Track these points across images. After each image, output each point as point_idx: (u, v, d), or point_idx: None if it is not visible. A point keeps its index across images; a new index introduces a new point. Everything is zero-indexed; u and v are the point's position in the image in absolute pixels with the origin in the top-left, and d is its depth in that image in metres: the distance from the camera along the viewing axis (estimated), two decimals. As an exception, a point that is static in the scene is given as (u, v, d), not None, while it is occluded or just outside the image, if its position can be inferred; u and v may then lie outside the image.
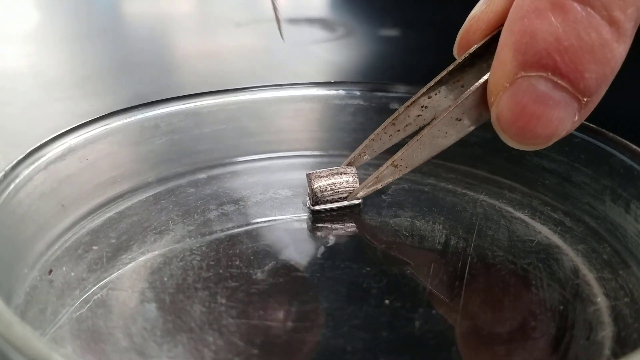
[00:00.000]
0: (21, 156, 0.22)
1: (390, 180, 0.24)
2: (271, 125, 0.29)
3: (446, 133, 0.22)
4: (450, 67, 0.23)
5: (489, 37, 0.22)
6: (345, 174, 0.25)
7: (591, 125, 0.24)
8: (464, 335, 0.19)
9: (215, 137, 0.28)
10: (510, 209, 0.25)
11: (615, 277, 0.21)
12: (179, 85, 0.43)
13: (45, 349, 0.13)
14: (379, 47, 0.48)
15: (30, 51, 0.49)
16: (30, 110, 0.38)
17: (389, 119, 0.25)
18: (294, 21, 0.53)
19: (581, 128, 0.24)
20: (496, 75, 0.20)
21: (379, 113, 0.29)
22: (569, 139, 0.25)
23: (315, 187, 0.24)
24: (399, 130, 0.25)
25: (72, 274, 0.21)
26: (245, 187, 0.27)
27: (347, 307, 0.19)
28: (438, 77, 0.24)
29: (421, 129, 0.24)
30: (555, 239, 0.23)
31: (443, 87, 0.24)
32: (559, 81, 0.18)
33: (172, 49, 0.50)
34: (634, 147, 0.22)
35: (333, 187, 0.24)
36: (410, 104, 0.24)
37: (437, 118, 0.22)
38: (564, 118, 0.19)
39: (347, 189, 0.25)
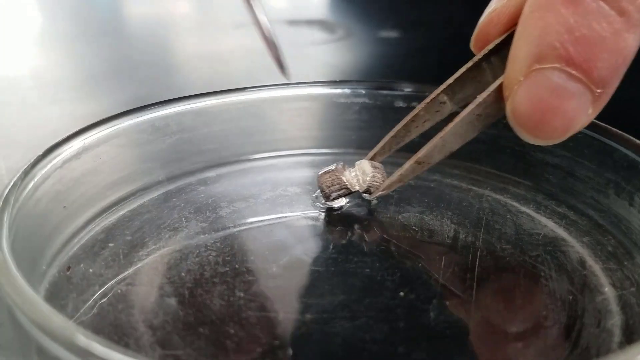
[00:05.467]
0: (39, 154, 0.22)
1: (411, 176, 0.24)
2: (278, 124, 0.29)
3: (468, 130, 0.22)
4: (470, 64, 0.23)
5: (509, 31, 0.22)
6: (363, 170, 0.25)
7: (594, 120, 0.25)
8: (478, 325, 0.19)
9: (224, 135, 0.28)
10: (515, 204, 0.26)
11: (621, 268, 0.22)
12: (180, 86, 0.43)
13: (84, 338, 0.14)
14: (379, 48, 0.49)
15: (31, 53, 0.50)
16: (30, 112, 0.38)
17: (409, 116, 0.25)
18: (294, 23, 0.53)
19: (584, 124, 0.25)
20: (511, 69, 0.20)
21: (384, 111, 0.29)
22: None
23: (323, 183, 0.25)
24: (417, 127, 0.25)
25: (91, 270, 0.21)
26: (254, 185, 0.27)
27: (363, 299, 0.20)
28: (457, 74, 0.24)
29: (439, 124, 0.24)
30: (561, 232, 0.24)
31: (462, 84, 0.24)
32: (573, 72, 0.19)
33: (173, 50, 0.50)
34: (637, 141, 0.23)
35: (340, 182, 0.24)
36: (430, 101, 0.25)
37: (459, 115, 0.22)
38: (578, 110, 0.19)
39: (368, 182, 0.24)
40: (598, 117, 0.25)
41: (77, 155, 0.24)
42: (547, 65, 0.19)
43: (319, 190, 0.25)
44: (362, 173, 0.24)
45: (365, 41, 0.51)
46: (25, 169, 0.21)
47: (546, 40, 0.19)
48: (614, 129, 0.24)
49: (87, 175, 0.24)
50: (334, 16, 0.58)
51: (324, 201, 0.25)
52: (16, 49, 0.51)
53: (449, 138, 0.22)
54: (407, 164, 0.23)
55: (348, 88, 0.30)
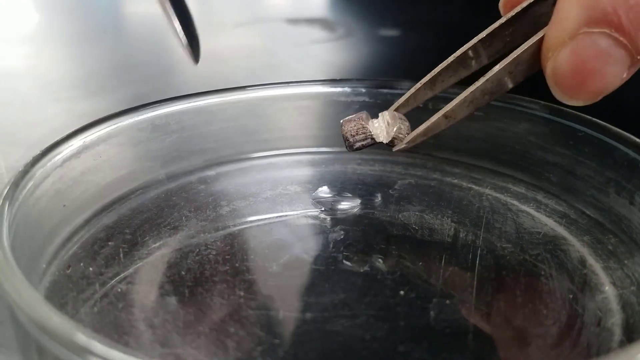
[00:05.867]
0: (38, 153, 0.22)
1: (437, 131, 0.23)
2: (278, 123, 0.29)
3: (497, 86, 0.22)
4: (502, 20, 0.23)
5: None
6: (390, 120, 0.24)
7: (594, 119, 0.25)
8: (478, 324, 0.19)
9: (223, 134, 0.28)
10: (515, 203, 0.26)
11: (621, 267, 0.22)
12: (179, 85, 0.43)
13: (82, 336, 0.14)
14: (379, 47, 0.48)
15: (30, 52, 0.49)
16: (29, 111, 0.38)
17: (435, 70, 0.25)
18: (294, 21, 0.53)
19: (584, 122, 0.25)
20: (557, 30, 0.20)
21: (384, 109, 0.29)
22: (572, 132, 0.25)
23: (348, 132, 0.24)
24: (443, 81, 0.25)
25: (91, 269, 0.21)
26: (254, 184, 0.27)
27: (363, 298, 0.20)
28: (488, 30, 0.24)
29: (465, 80, 0.24)
30: (561, 231, 0.24)
31: (491, 41, 0.24)
32: (620, 38, 0.19)
33: (172, 49, 0.50)
34: (638, 140, 0.23)
35: (365, 131, 0.24)
36: (458, 56, 0.24)
37: (491, 71, 0.22)
38: (616, 74, 0.20)
39: (394, 133, 0.24)
40: (599, 116, 0.25)
41: (77, 154, 0.24)
42: (596, 30, 0.19)
43: (317, 198, 0.25)
44: (387, 124, 0.24)
45: (365, 40, 0.51)
46: (24, 168, 0.21)
47: (600, 4, 0.19)
48: (615, 128, 0.24)
49: (87, 173, 0.24)
50: (334, 15, 0.58)
51: (347, 149, 0.24)
52: (16, 48, 0.50)
53: (478, 94, 0.22)
54: (435, 117, 0.23)
55: (348, 87, 0.30)
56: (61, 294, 0.20)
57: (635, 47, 0.19)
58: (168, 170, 0.27)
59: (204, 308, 0.19)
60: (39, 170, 0.22)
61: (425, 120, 0.24)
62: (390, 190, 0.26)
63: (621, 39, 0.19)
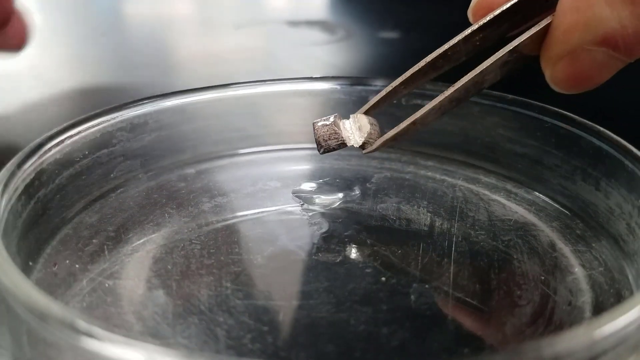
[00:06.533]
0: (20, 154, 0.22)
1: (405, 137, 0.24)
2: (256, 120, 0.30)
3: (464, 94, 0.23)
4: (475, 27, 0.24)
5: (514, 1, 0.23)
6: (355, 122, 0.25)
7: (560, 110, 0.26)
8: (456, 306, 0.20)
9: (202, 132, 0.29)
10: (487, 192, 0.27)
11: (589, 250, 0.23)
12: (179, 86, 0.43)
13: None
14: (379, 49, 0.49)
15: (30, 52, 0.49)
16: (29, 111, 0.38)
17: (408, 72, 0.25)
18: (294, 23, 0.54)
19: (551, 114, 0.26)
20: (557, 46, 0.22)
21: (358, 105, 0.30)
22: (539, 124, 0.26)
23: (320, 136, 0.24)
24: (414, 84, 0.26)
25: (77, 265, 0.22)
26: (234, 180, 0.28)
27: (346, 285, 0.21)
28: (459, 37, 0.24)
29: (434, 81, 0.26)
30: (531, 218, 0.25)
31: (462, 47, 0.25)
32: (618, 55, 0.21)
33: (172, 50, 0.50)
34: (601, 128, 0.24)
35: (338, 136, 0.24)
36: (426, 64, 0.25)
37: (459, 81, 0.23)
38: (610, 75, 0.22)
39: (365, 137, 0.24)
40: (565, 108, 0.26)
41: (56, 153, 0.24)
42: (595, 48, 0.21)
43: (298, 193, 0.26)
44: (358, 128, 0.24)
45: (365, 42, 0.51)
46: (8, 168, 0.21)
47: (601, 30, 0.21)
48: (579, 118, 0.25)
49: (67, 173, 0.24)
50: (334, 17, 0.58)
51: (319, 152, 0.25)
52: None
53: (446, 102, 0.23)
54: (404, 124, 0.24)
55: (324, 83, 0.30)
56: (49, 291, 0.20)
57: (631, 58, 0.22)
58: (148, 169, 0.27)
59: (192, 300, 0.20)
60: (21, 171, 0.22)
61: (397, 114, 0.25)
62: (367, 184, 0.27)
63: (619, 56, 0.21)
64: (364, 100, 0.30)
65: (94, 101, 0.39)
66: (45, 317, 0.15)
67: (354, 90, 0.30)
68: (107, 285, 0.21)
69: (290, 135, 0.30)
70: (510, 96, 0.27)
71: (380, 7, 0.56)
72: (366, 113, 0.25)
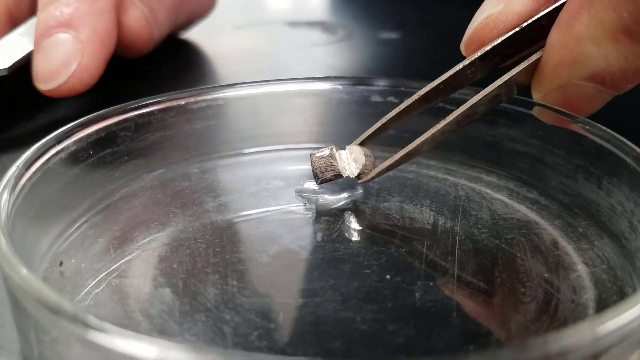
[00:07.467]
0: (27, 154, 0.22)
1: (399, 166, 0.25)
2: (259, 120, 0.30)
3: (454, 127, 0.24)
4: (466, 62, 0.25)
5: (505, 36, 0.24)
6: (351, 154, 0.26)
7: (561, 109, 0.26)
8: (461, 303, 0.20)
9: (205, 132, 0.29)
10: (489, 191, 0.27)
11: (592, 247, 0.23)
12: (180, 87, 0.43)
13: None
14: (379, 49, 0.49)
15: None
16: (28, 111, 0.38)
17: (400, 107, 0.26)
18: (294, 24, 0.54)
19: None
20: (547, 81, 0.23)
21: (361, 105, 0.30)
22: (540, 123, 0.27)
23: (317, 168, 0.25)
24: (407, 116, 0.27)
25: (83, 265, 0.22)
26: (237, 180, 0.28)
27: (351, 283, 0.21)
28: (450, 72, 0.25)
29: (427, 117, 0.26)
30: (534, 216, 0.25)
31: (454, 81, 0.26)
32: (605, 89, 0.22)
33: (172, 50, 0.49)
34: (603, 127, 0.24)
35: (334, 168, 0.25)
36: (419, 97, 0.26)
37: (449, 116, 0.24)
38: (600, 106, 0.24)
39: (360, 169, 0.26)
40: (589, 116, 0.26)
41: (62, 153, 0.24)
42: (583, 83, 0.22)
43: (301, 192, 0.26)
44: (354, 160, 0.26)
45: (365, 42, 0.52)
46: (17, 166, 0.21)
47: (589, 67, 0.22)
48: (581, 117, 0.25)
49: (72, 173, 0.24)
50: (334, 18, 0.58)
51: (316, 183, 0.26)
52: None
53: (438, 134, 0.24)
54: (398, 156, 0.25)
55: (326, 84, 0.30)
56: (55, 289, 0.20)
57: (620, 91, 0.23)
58: (152, 168, 0.28)
59: (199, 297, 0.20)
60: (28, 172, 0.22)
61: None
62: (370, 183, 0.27)
63: (607, 90, 0.22)
64: (366, 100, 0.30)
65: (92, 102, 0.39)
66: (57, 312, 0.15)
67: (355, 90, 0.30)
68: (113, 283, 0.21)
69: (293, 135, 0.30)
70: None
71: (380, 8, 0.56)
72: (361, 144, 0.27)
